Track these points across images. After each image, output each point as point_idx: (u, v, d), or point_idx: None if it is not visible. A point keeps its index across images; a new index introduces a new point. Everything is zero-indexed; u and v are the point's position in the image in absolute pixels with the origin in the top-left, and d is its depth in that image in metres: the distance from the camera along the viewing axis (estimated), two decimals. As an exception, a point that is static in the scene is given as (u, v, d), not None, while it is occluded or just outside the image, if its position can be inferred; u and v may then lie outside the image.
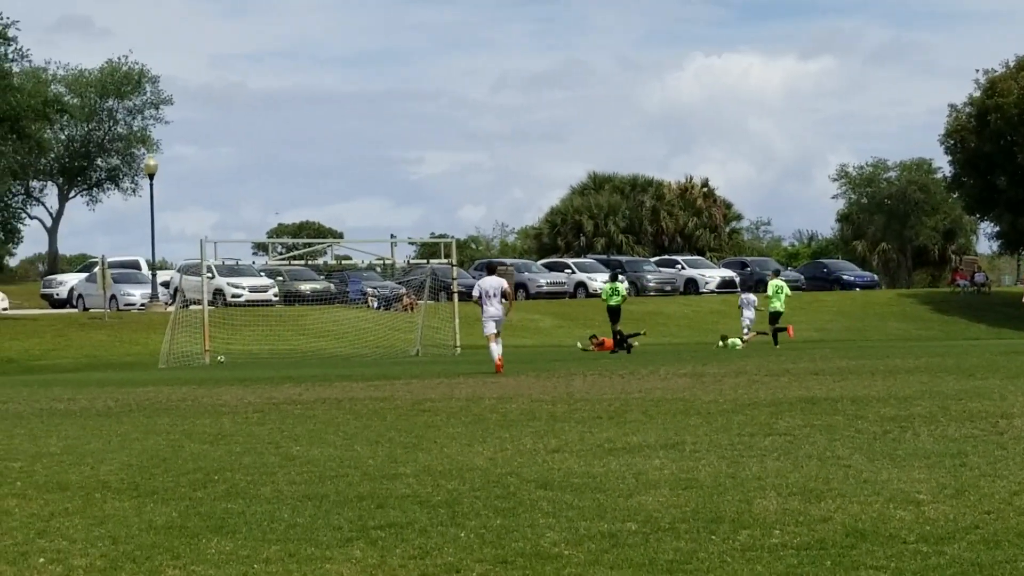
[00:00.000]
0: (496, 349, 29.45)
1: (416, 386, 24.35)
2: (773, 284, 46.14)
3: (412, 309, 57.45)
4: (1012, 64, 76.98)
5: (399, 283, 63.89)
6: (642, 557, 7.56)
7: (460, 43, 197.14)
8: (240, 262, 60.25)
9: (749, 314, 49.32)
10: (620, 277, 53.05)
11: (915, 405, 16.43)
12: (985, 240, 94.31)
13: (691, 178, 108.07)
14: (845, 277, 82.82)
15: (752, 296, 51.00)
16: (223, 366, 40.99)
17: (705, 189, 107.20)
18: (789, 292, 46.79)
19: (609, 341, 43.26)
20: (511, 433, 14.71)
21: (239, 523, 9.21)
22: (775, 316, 45.27)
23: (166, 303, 60.95)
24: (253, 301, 60.47)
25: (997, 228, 79.74)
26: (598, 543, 7.93)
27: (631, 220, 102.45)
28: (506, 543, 8.10)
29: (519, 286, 73.90)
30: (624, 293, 46.33)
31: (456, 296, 51.17)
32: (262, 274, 64.19)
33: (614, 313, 44.13)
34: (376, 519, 9.14)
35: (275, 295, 62.23)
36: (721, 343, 46.49)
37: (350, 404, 20.12)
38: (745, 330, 48.84)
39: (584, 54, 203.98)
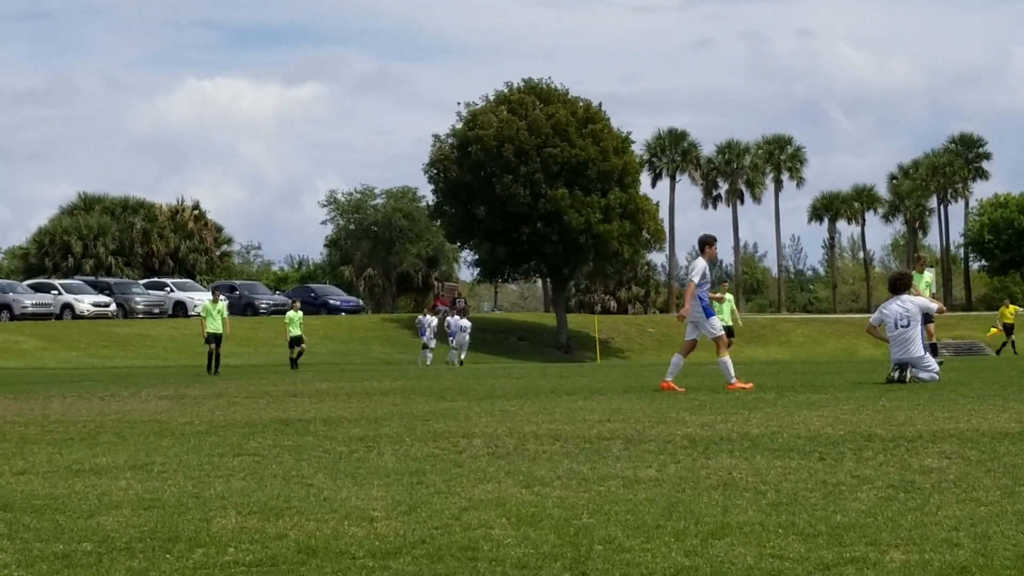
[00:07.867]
0: None
1: None
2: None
3: None
4: (492, 98, 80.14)
5: None
6: (95, 576, 7.62)
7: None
8: None
9: None
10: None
11: (384, 426, 16.93)
12: (466, 267, 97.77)
13: (182, 200, 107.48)
14: (331, 302, 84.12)
15: None
16: None
17: (196, 212, 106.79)
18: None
19: None
20: (-25, 457, 14.35)
21: None
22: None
23: None
24: None
25: (476, 256, 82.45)
26: (51, 564, 7.93)
27: (121, 242, 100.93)
28: (-49, 567, 7.99)
29: (2, 307, 71.61)
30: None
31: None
32: None
33: None
34: None
35: None
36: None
37: None
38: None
39: (73, 74, 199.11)
